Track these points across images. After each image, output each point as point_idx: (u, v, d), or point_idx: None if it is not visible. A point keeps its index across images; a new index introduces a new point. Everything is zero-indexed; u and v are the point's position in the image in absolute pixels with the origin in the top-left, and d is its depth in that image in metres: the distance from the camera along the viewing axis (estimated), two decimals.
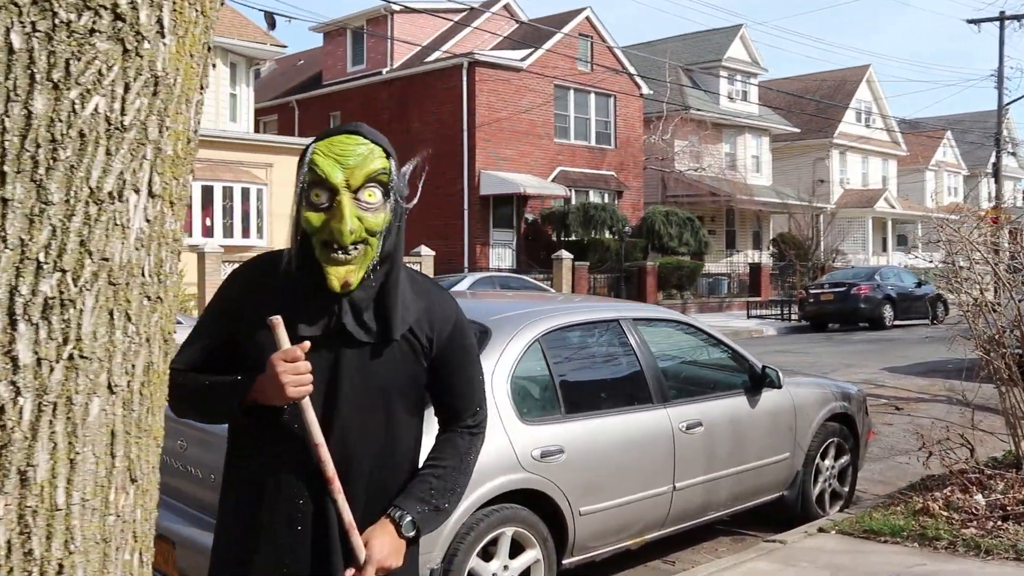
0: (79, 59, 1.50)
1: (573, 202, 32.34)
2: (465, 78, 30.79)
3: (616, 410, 5.38)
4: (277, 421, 2.18)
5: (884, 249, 48.30)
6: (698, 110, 38.54)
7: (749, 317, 30.07)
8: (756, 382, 6.31)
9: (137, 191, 1.55)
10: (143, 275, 1.56)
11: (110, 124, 1.52)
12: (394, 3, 30.22)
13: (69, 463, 1.45)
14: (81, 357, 1.46)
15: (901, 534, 5.93)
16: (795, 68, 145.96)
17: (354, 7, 35.09)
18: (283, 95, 38.23)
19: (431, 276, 2.40)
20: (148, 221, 1.58)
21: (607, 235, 31.36)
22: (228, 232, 25.02)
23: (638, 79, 35.49)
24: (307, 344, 2.13)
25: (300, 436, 2.15)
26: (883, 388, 14.15)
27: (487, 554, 4.69)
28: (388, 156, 2.18)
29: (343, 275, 2.14)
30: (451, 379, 2.37)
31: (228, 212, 25.04)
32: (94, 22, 1.50)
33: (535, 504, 4.84)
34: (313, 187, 2.14)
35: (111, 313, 1.51)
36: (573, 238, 31.03)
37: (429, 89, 32.03)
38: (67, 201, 1.47)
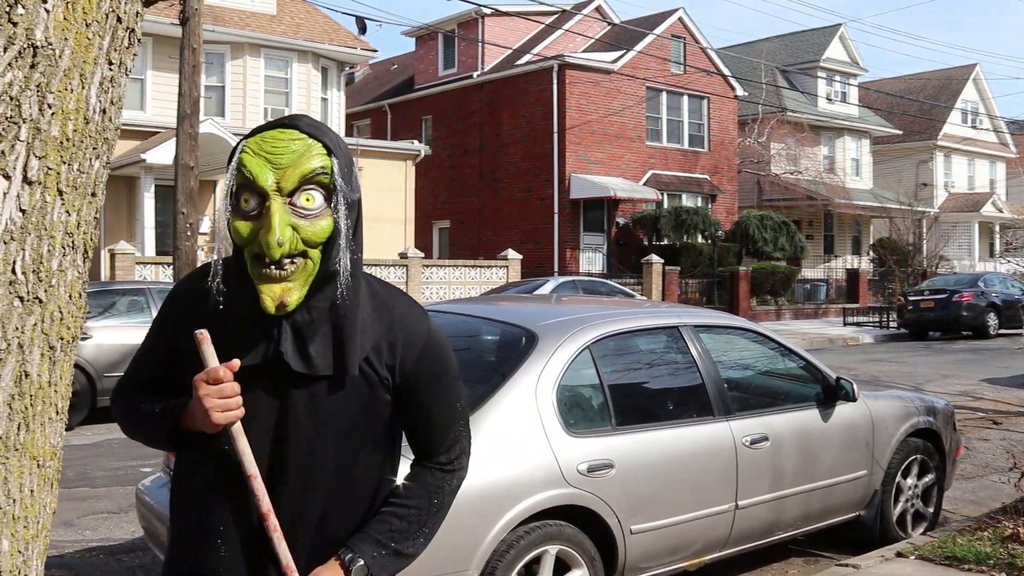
0: None
1: (665, 206, 31.85)
2: (555, 81, 30.55)
3: (673, 423, 5.09)
4: (212, 449, 1.93)
5: (991, 255, 46.59)
6: (795, 112, 37.62)
7: (845, 324, 29.20)
8: (829, 394, 5.94)
9: (7, 176, 1.37)
10: (13, 272, 1.37)
11: None
12: (485, 7, 30.13)
13: None
14: None
15: (987, 562, 5.51)
16: (897, 68, 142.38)
17: (446, 11, 35.13)
18: (376, 99, 38.47)
19: (403, 292, 2.12)
20: (23, 211, 1.38)
21: (699, 239, 30.80)
22: None
23: (732, 80, 34.80)
24: (235, 363, 1.85)
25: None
26: (981, 401, 13.50)
27: (530, 573, 4.45)
28: (330, 153, 1.86)
29: (278, 294, 1.83)
30: (419, 411, 2.07)
31: None
32: None
33: (582, 521, 4.59)
34: (242, 191, 1.84)
35: None
36: (665, 242, 30.56)
37: (519, 92, 31.88)
38: None
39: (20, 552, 1.41)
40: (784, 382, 6.15)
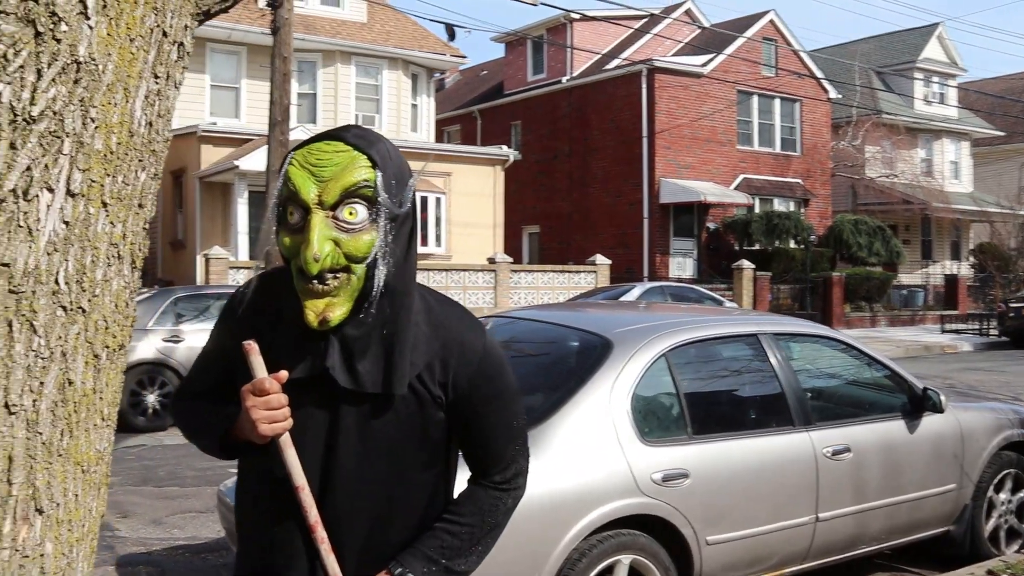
0: None
1: (756, 210, 31.44)
2: (644, 85, 30.40)
3: (751, 432, 5.00)
4: (263, 459, 1.94)
5: None
6: (890, 114, 36.81)
7: (943, 332, 28.45)
8: (915, 405, 5.77)
9: (51, 189, 1.40)
10: (56, 283, 1.41)
11: (16, 115, 1.37)
12: (573, 12, 30.12)
13: None
14: None
15: None
16: (997, 67, 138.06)
17: (534, 17, 35.21)
18: (466, 105, 38.73)
19: (459, 304, 2.06)
20: (66, 223, 1.42)
21: (791, 244, 30.31)
22: None
23: (825, 83, 34.20)
24: (282, 375, 1.84)
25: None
26: None
27: None
28: (375, 166, 1.81)
29: (320, 309, 1.80)
30: (474, 430, 2.02)
31: None
32: None
33: (656, 531, 4.54)
34: (288, 203, 1.82)
35: (10, 324, 1.35)
36: (756, 247, 30.15)
37: (608, 97, 31.79)
38: None
39: (64, 555, 1.44)
40: (868, 392, 6.01)
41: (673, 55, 32.17)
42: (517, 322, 5.83)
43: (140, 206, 1.59)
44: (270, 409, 1.83)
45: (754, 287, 27.29)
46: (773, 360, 5.25)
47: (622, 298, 18.34)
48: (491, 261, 23.55)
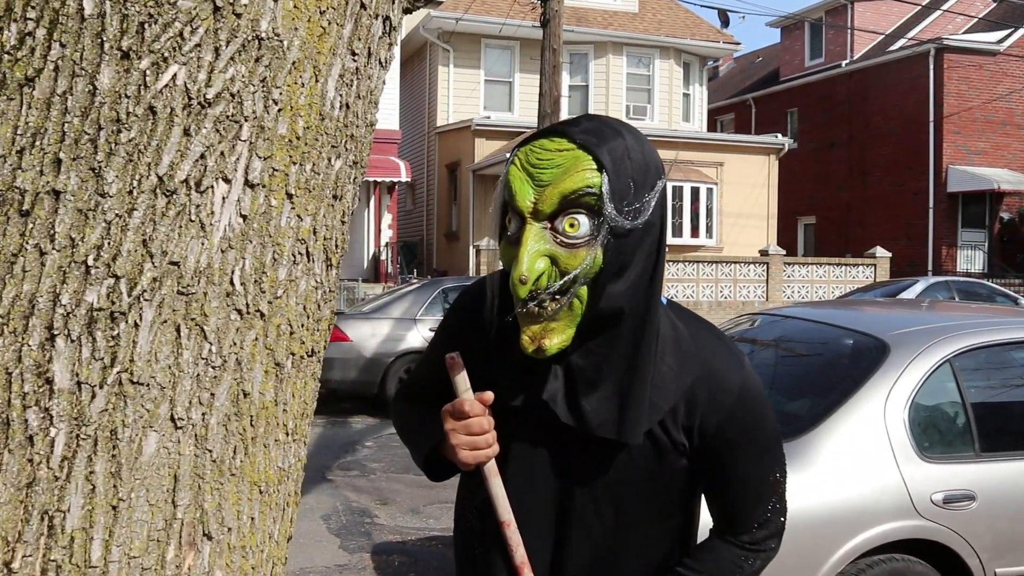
0: (155, 21, 1.24)
1: None
2: (932, 66, 28.54)
3: None
4: (471, 486, 1.75)
5: None
6: None
7: None
8: None
9: (227, 180, 1.27)
10: (231, 284, 1.27)
11: (190, 98, 1.24)
12: None
13: (111, 510, 1.19)
14: (132, 382, 1.20)
15: None
16: None
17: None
18: (740, 93, 37.80)
19: (714, 328, 1.74)
20: (243, 217, 1.28)
21: None
22: (677, 231, 25.08)
23: None
24: (487, 396, 1.62)
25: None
26: None
27: None
28: (602, 169, 1.50)
29: (537, 334, 1.53)
30: (722, 481, 1.70)
31: (677, 211, 25.09)
32: None
33: (934, 558, 4.08)
34: (508, 210, 1.57)
35: (178, 329, 1.23)
36: None
37: (891, 80, 30.08)
38: (128, 192, 1.21)
39: None
40: None
41: (964, 32, 30.03)
42: (786, 320, 5.45)
43: (335, 197, 1.44)
44: (471, 435, 1.62)
45: None
46: None
47: (903, 294, 17.21)
48: (763, 253, 22.80)
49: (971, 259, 28.88)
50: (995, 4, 31.63)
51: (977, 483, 4.11)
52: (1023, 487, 4.21)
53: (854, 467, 3.99)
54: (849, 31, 31.64)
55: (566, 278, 1.50)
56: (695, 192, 24.89)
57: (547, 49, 15.89)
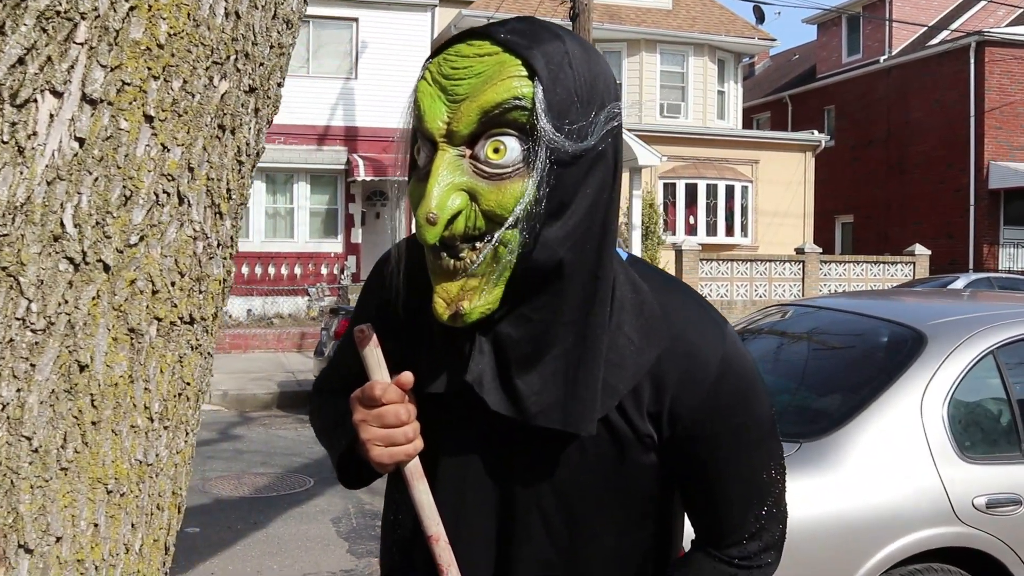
0: None
1: None
2: (973, 60, 27.90)
3: None
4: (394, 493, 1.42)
5: None
6: None
7: None
8: None
9: (56, 93, 0.99)
10: (60, 225, 0.99)
11: None
12: None
13: None
14: None
15: None
16: None
17: None
18: (776, 91, 37.25)
19: (688, 289, 1.37)
20: (80, 140, 1.00)
21: None
22: (711, 230, 24.75)
23: None
24: (405, 379, 1.26)
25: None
26: None
27: None
28: (535, 76, 1.15)
29: (454, 296, 1.19)
30: (701, 480, 1.35)
31: (712, 210, 24.74)
32: None
33: (978, 567, 3.74)
34: (417, 137, 1.21)
35: None
36: None
37: (931, 75, 29.47)
38: None
39: None
40: None
41: (1007, 25, 29.37)
42: (819, 311, 5.12)
43: (222, 128, 1.15)
44: (385, 427, 1.26)
45: None
46: None
47: None
48: (799, 251, 22.33)
49: (1013, 257, 28.20)
50: None
51: (1023, 486, 3.77)
52: None
53: (888, 468, 3.66)
54: (887, 25, 31.06)
55: (495, 219, 1.16)
56: (730, 190, 24.52)
57: None
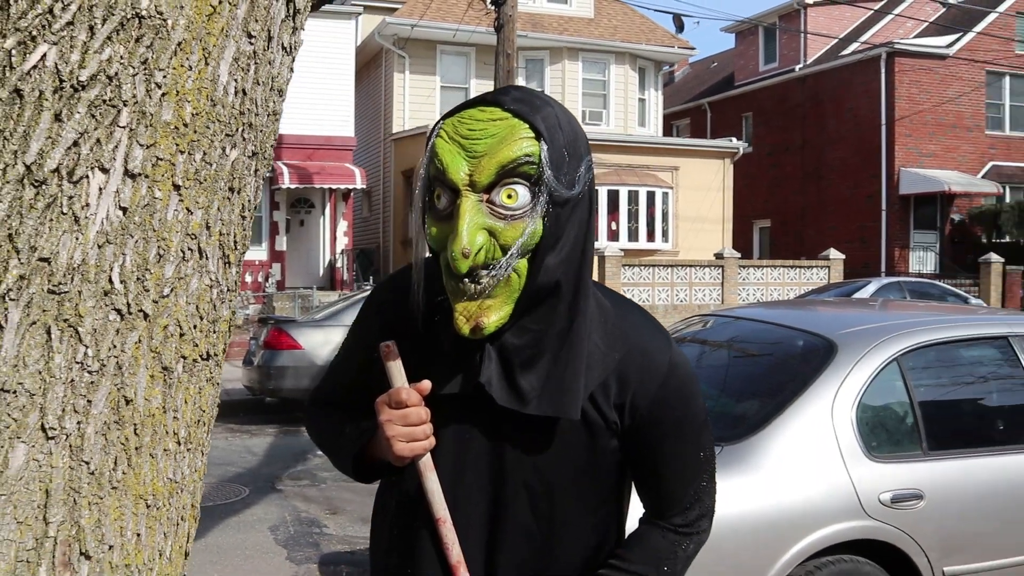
0: None
1: (1007, 200, 29.26)
2: (884, 70, 28.79)
3: (998, 449, 4.38)
4: (403, 485, 1.67)
5: None
6: None
7: None
8: None
9: (104, 169, 1.17)
10: (110, 281, 1.18)
11: (62, 80, 1.15)
12: None
13: None
14: None
15: None
16: None
17: (766, 4, 34.10)
18: (695, 98, 37.95)
19: (639, 307, 1.72)
20: (123, 209, 1.19)
21: None
22: (633, 236, 25.12)
23: None
24: (425, 385, 1.55)
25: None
26: None
27: None
28: (539, 137, 1.45)
29: (473, 313, 1.47)
30: (652, 461, 1.67)
31: (633, 216, 25.12)
32: None
33: (883, 559, 4.03)
34: (436, 183, 1.50)
35: (48, 331, 1.14)
36: (1006, 240, 28.03)
37: (844, 84, 30.33)
38: None
39: None
40: None
41: (915, 37, 30.37)
42: (738, 321, 5.40)
43: (232, 190, 1.35)
44: (408, 425, 1.54)
45: (1003, 283, 25.30)
46: None
47: (855, 295, 17.32)
48: (718, 256, 22.85)
49: (923, 260, 29.16)
50: (944, 8, 32.01)
51: (925, 482, 4.08)
52: (970, 485, 4.19)
53: (802, 468, 3.94)
54: (803, 36, 31.88)
55: (509, 251, 1.45)
56: (651, 196, 24.92)
57: (501, 55, 15.82)
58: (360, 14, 24.81)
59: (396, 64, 25.89)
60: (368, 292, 12.85)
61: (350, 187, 23.60)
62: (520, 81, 24.54)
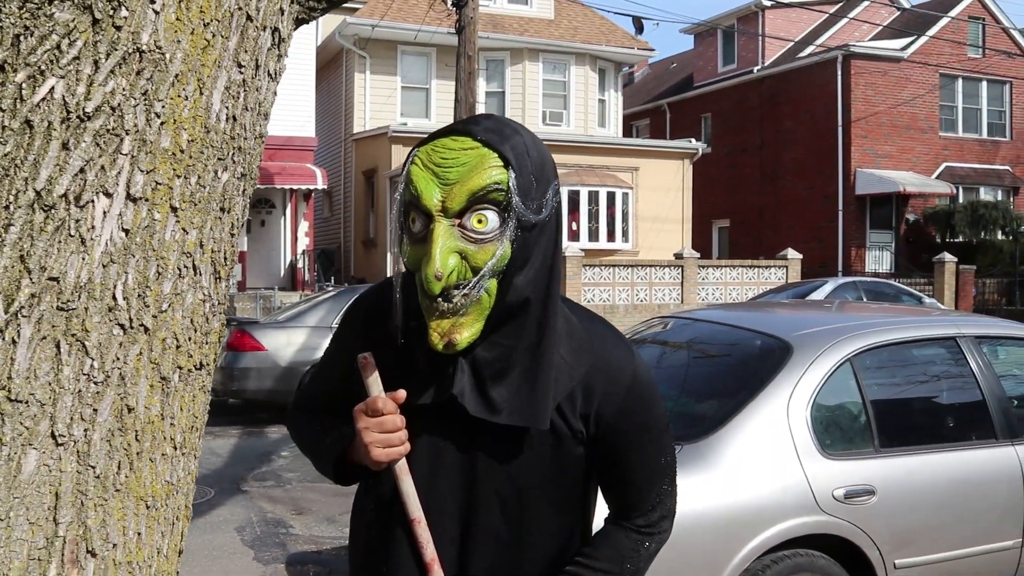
0: (31, 34, 1.23)
1: (960, 200, 29.79)
2: (840, 72, 29.21)
3: (946, 446, 4.54)
4: (379, 487, 1.77)
5: None
6: None
7: None
8: None
9: (108, 194, 1.26)
10: (113, 298, 1.26)
11: (69, 111, 1.23)
12: None
13: None
14: (11, 400, 1.18)
15: None
16: None
17: (725, 6, 34.42)
18: (655, 99, 38.24)
19: (604, 321, 1.80)
20: (126, 231, 1.28)
21: (999, 236, 28.55)
22: (593, 236, 25.26)
23: None
24: (400, 395, 1.64)
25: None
26: None
27: None
28: (508, 165, 1.55)
29: (446, 330, 1.56)
30: (617, 467, 1.76)
31: (594, 216, 25.28)
32: None
33: (837, 552, 4.18)
34: (411, 209, 1.59)
35: (58, 345, 1.22)
36: (959, 240, 28.54)
37: (801, 86, 30.73)
38: (4, 207, 1.20)
39: None
40: None
41: (870, 40, 30.82)
42: (697, 323, 5.54)
43: (223, 210, 1.44)
44: (384, 432, 1.64)
45: (956, 282, 25.77)
46: (974, 366, 4.78)
47: (812, 294, 17.58)
48: (678, 256, 23.09)
49: (879, 260, 29.60)
50: (899, 12, 32.50)
51: (876, 478, 4.23)
52: (920, 481, 4.35)
53: (758, 466, 4.07)
54: (760, 38, 32.23)
55: (480, 273, 1.55)
56: (611, 197, 25.09)
57: (462, 56, 15.92)
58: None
59: (357, 64, 25.89)
60: (333, 294, 12.92)
61: (311, 187, 23.57)
62: (481, 82, 24.68)
